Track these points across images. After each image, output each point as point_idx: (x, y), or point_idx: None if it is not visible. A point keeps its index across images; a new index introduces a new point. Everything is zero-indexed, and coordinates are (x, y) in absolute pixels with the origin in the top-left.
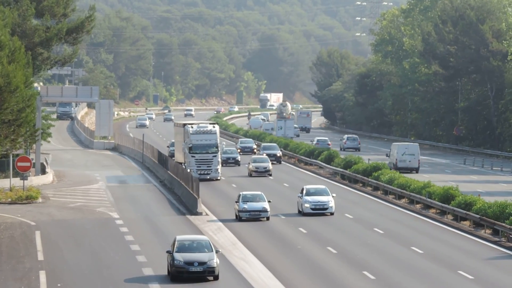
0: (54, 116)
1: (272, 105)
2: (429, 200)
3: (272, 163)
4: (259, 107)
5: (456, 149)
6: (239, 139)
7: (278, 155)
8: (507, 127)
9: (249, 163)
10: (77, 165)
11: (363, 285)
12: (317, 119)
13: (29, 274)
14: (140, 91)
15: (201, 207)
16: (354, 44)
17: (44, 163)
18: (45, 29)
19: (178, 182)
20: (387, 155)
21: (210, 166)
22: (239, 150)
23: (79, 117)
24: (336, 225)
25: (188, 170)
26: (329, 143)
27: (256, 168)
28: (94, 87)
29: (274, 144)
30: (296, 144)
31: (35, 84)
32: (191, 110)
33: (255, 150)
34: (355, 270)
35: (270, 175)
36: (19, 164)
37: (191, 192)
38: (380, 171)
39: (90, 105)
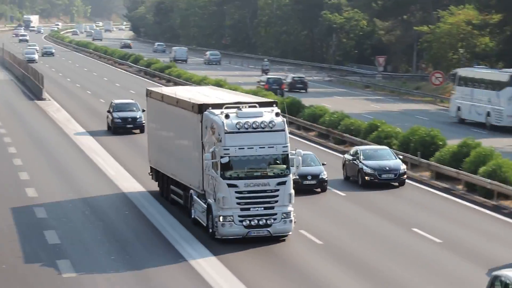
0: None
1: (33, 26)
2: None
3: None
4: (23, 28)
5: (225, 53)
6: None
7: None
8: (259, 38)
9: None
10: None
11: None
12: (127, 33)
13: None
14: (1, 13)
15: (45, 94)
16: None
17: None
18: None
19: (28, 77)
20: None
21: (272, 207)
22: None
23: None
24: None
25: (219, 220)
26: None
27: None
28: None
29: (385, 148)
30: (112, 50)
31: None
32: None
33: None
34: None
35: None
36: None
37: (37, 84)
38: (171, 69)
39: None
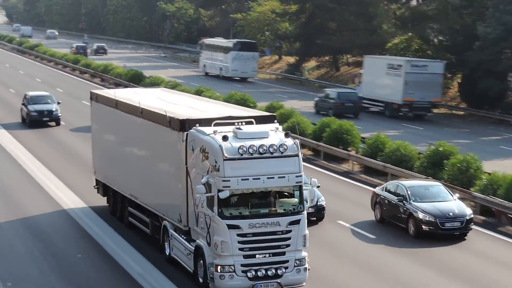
0: None
1: None
2: (70, 64)
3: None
4: None
5: (79, 34)
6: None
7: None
8: (108, 23)
9: None
10: None
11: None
12: (2, 18)
13: None
14: None
15: None
16: None
17: None
18: None
19: None
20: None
21: (283, 253)
22: None
23: None
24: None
25: (216, 270)
26: None
27: None
28: None
29: (437, 184)
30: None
31: None
32: None
33: None
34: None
35: None
36: None
37: None
38: (38, 47)
39: None
